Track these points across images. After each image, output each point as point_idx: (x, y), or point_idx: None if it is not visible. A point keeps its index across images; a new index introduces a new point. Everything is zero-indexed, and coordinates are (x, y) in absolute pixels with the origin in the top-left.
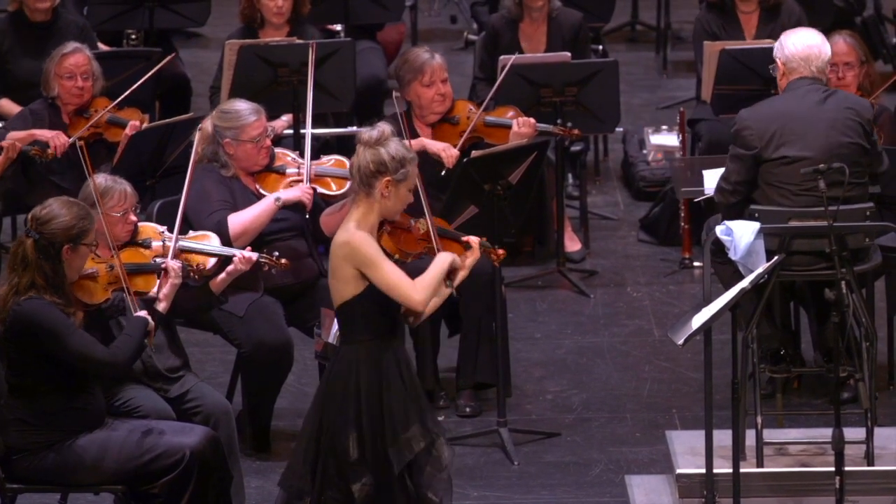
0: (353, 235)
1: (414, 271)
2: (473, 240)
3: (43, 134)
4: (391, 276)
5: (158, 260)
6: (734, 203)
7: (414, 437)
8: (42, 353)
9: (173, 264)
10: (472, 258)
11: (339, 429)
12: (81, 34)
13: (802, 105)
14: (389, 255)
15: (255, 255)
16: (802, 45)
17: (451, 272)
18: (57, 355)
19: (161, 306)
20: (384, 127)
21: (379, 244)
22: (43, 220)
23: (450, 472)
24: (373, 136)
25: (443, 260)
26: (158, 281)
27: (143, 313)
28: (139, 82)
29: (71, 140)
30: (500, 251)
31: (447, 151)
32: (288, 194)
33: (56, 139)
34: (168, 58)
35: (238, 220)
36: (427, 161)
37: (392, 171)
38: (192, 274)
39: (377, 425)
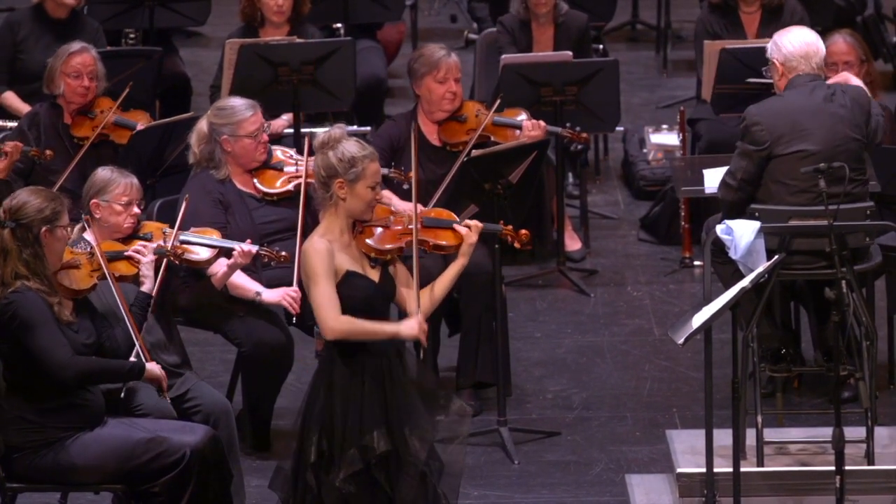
0: (308, 246)
1: (433, 274)
2: (463, 230)
3: None
4: (320, 297)
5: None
6: (738, 200)
7: (368, 446)
8: (23, 345)
9: (133, 252)
10: (467, 245)
11: (307, 429)
12: (94, 37)
13: (812, 101)
14: (367, 256)
15: (254, 248)
16: (801, 42)
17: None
18: (24, 345)
19: (145, 287)
20: (334, 130)
21: (357, 246)
22: (15, 208)
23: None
24: (321, 141)
25: (386, 327)
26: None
27: (150, 366)
28: (128, 72)
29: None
30: (523, 232)
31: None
32: (270, 296)
33: None
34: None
35: (219, 268)
36: (430, 155)
37: (342, 173)
38: (172, 258)
39: (345, 427)
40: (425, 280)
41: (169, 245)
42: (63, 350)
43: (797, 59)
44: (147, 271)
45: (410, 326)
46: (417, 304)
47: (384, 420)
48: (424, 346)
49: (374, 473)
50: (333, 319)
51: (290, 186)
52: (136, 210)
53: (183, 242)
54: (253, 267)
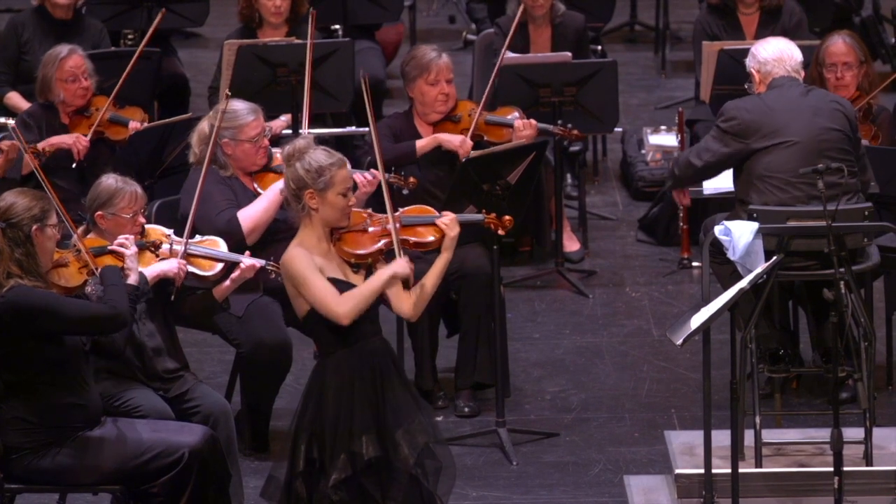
0: (287, 254)
1: (420, 274)
2: (444, 222)
3: (62, 140)
4: (317, 292)
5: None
6: (689, 179)
7: (357, 451)
8: (41, 336)
9: (116, 247)
10: (449, 239)
11: (297, 436)
12: (99, 37)
13: (788, 95)
14: (347, 263)
15: (260, 263)
16: (774, 49)
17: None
18: (58, 330)
19: (131, 279)
20: (299, 140)
21: (337, 253)
22: (3, 208)
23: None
24: (288, 153)
25: (380, 276)
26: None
27: (105, 266)
28: (125, 73)
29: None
30: (507, 218)
31: (464, 146)
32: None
33: (77, 143)
34: (161, 12)
35: (248, 216)
36: (426, 156)
37: (311, 183)
38: (152, 249)
39: (335, 432)
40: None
41: (179, 254)
42: (96, 306)
43: (771, 63)
44: (132, 263)
45: (401, 265)
46: (396, 246)
47: (374, 425)
48: (412, 280)
49: (362, 480)
50: (338, 305)
51: None
52: (141, 220)
53: (190, 254)
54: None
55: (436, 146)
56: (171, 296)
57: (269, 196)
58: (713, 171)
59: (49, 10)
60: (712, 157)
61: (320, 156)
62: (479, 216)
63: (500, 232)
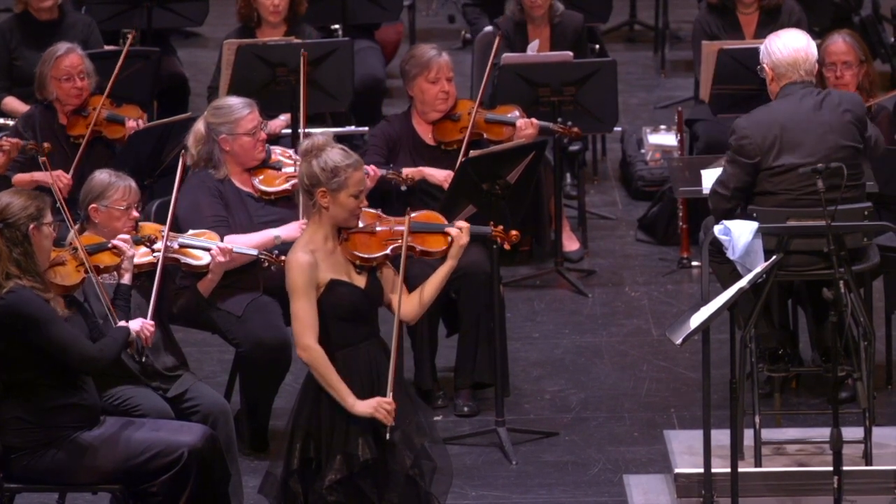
0: (290, 258)
1: (420, 276)
2: (454, 231)
3: (44, 179)
4: (297, 312)
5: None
6: (730, 209)
7: (353, 453)
8: (28, 343)
9: (118, 241)
10: (457, 247)
11: (293, 435)
12: (88, 31)
13: (800, 111)
14: (352, 264)
15: (230, 247)
16: (789, 49)
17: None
18: (40, 345)
19: (125, 279)
20: (318, 137)
21: (342, 253)
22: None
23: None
24: (305, 149)
25: (355, 404)
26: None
27: (123, 324)
28: (116, 69)
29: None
30: (513, 233)
31: (447, 182)
32: (288, 232)
33: (58, 181)
34: (131, 33)
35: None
36: (425, 155)
37: (325, 182)
38: (147, 244)
39: (331, 433)
40: (412, 287)
41: (165, 247)
42: (84, 342)
43: (785, 66)
44: (129, 265)
45: (366, 406)
46: (391, 379)
47: (371, 426)
48: (388, 424)
49: (358, 482)
50: (304, 345)
51: (288, 185)
52: (134, 213)
53: (182, 246)
54: (252, 274)
55: (420, 179)
56: (141, 358)
57: (262, 238)
58: (743, 193)
59: (34, 14)
60: (736, 182)
61: (337, 156)
62: (487, 228)
63: (506, 246)
